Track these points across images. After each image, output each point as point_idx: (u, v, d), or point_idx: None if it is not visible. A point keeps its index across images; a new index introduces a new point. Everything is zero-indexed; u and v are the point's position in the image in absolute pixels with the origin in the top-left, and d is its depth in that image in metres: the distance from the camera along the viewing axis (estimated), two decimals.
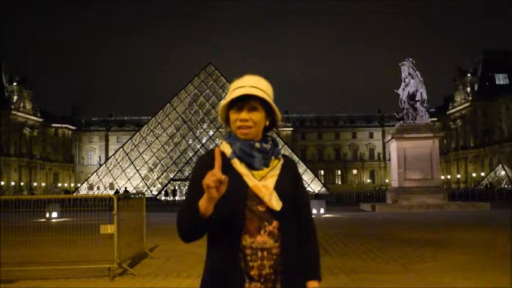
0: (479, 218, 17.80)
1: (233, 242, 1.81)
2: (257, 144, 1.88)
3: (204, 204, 1.68)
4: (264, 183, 1.86)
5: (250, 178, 1.85)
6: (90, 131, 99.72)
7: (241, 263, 1.80)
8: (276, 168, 1.91)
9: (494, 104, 75.75)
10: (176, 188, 50.50)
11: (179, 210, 1.84)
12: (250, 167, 1.86)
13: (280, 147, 2.01)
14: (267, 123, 1.94)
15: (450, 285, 6.21)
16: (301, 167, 52.56)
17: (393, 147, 25.71)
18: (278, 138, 49.43)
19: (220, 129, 53.32)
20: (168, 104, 54.96)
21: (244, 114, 1.86)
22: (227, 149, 1.89)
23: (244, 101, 1.85)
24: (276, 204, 1.84)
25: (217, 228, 1.81)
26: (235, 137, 1.90)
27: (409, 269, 7.28)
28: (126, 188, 46.81)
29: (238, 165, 1.86)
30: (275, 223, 1.83)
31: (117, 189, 44.40)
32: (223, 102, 1.90)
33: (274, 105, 1.90)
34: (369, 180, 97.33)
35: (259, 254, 1.81)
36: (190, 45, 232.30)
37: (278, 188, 1.87)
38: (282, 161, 1.94)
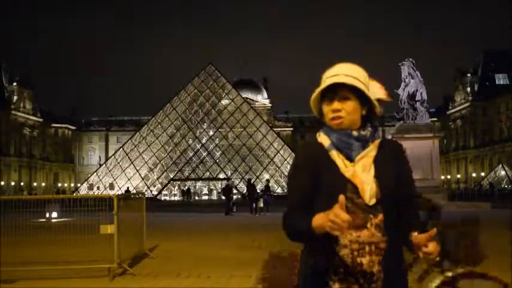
0: (479, 218, 17.76)
1: (330, 240, 1.70)
2: (354, 133, 1.79)
3: (321, 230, 1.62)
4: (359, 172, 1.76)
5: (347, 169, 1.76)
6: (90, 131, 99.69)
7: (337, 261, 1.72)
8: (371, 150, 1.80)
9: (494, 104, 75.78)
10: (190, 188, 50.52)
11: (287, 207, 1.80)
12: (349, 158, 1.78)
13: (380, 132, 1.89)
14: (364, 112, 1.82)
15: None
16: None
17: None
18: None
19: (220, 129, 53.35)
20: (168, 104, 54.89)
21: (336, 105, 1.78)
22: (325, 140, 1.82)
23: (335, 91, 1.77)
24: (368, 198, 1.74)
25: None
26: (330, 129, 1.82)
27: (409, 269, 7.25)
28: (128, 188, 46.66)
29: (336, 157, 1.78)
30: (381, 216, 1.74)
31: (127, 189, 44.22)
32: (314, 94, 1.81)
33: (367, 92, 1.78)
34: None
35: (367, 248, 1.72)
36: (191, 45, 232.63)
37: (379, 174, 1.77)
38: (377, 141, 1.82)
